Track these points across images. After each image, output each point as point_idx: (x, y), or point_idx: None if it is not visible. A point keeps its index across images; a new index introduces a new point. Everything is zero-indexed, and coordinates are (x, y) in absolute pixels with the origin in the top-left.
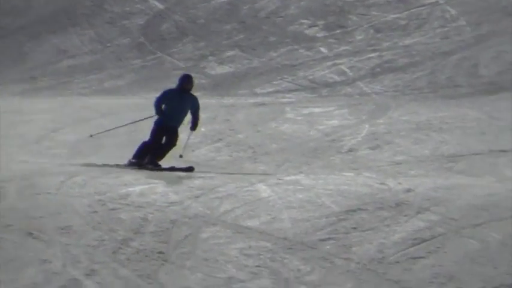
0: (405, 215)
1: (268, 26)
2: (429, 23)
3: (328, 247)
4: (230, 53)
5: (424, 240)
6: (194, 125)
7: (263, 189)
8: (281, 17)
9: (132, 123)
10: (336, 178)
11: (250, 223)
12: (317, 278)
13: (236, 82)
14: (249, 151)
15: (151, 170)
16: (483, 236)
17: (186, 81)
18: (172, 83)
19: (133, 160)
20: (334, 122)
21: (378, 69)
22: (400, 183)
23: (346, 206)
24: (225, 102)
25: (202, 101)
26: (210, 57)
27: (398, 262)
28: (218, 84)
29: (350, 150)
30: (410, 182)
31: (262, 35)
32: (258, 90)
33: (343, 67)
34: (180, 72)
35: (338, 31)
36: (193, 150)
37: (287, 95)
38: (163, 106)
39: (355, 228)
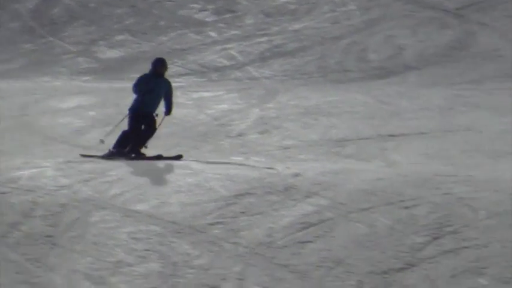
0: (293, 200)
1: (159, 10)
2: (319, 7)
3: (216, 231)
4: (120, 37)
5: (312, 225)
6: (168, 110)
7: (153, 173)
8: (171, 1)
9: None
10: (225, 162)
11: (139, 207)
12: (205, 262)
13: (126, 66)
14: None
15: (135, 159)
16: (371, 220)
17: (159, 64)
18: (63, 67)
19: (114, 150)
20: (224, 107)
21: (268, 54)
22: (288, 168)
23: (235, 191)
24: (115, 87)
25: (92, 85)
26: (101, 42)
27: (286, 246)
28: (108, 69)
29: (239, 134)
30: (298, 167)
31: (152, 19)
32: None
33: (232, 51)
34: (71, 56)
35: (228, 15)
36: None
37: (177, 79)
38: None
39: (243, 212)
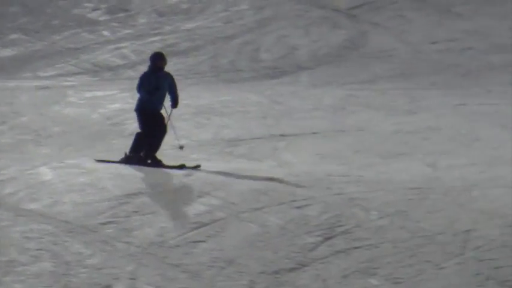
0: (186, 199)
1: (52, 9)
2: (211, 6)
3: (109, 230)
4: (13, 36)
5: (204, 224)
6: (175, 103)
7: (45, 173)
8: (64, 0)
9: None
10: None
11: (32, 206)
12: (98, 261)
13: (19, 65)
14: (32, 134)
15: (153, 166)
16: (263, 220)
17: (158, 58)
18: None
19: (130, 154)
20: (117, 106)
21: None
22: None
23: (127, 190)
24: (8, 85)
25: None
26: None
27: (178, 246)
28: (1, 67)
29: (131, 134)
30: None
31: (45, 18)
32: (41, 74)
33: (125, 51)
34: None
35: (121, 15)
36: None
37: (70, 78)
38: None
39: (136, 211)
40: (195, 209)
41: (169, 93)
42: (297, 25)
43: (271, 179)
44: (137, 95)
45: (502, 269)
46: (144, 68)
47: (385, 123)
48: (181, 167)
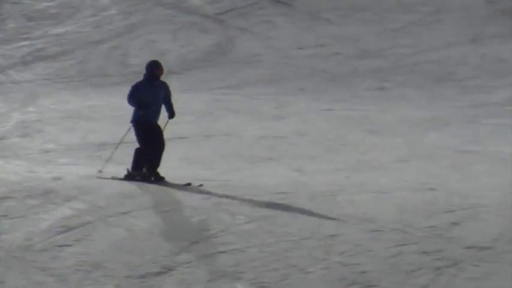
0: (53, 203)
1: None
2: (81, 11)
3: None
4: None
5: (71, 228)
6: (171, 113)
7: None
8: None
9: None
10: None
11: None
12: None
13: None
14: None
15: (156, 183)
16: (130, 224)
17: (156, 66)
18: None
19: (134, 172)
20: None
21: (29, 58)
22: (49, 172)
23: None
24: None
25: None
26: None
27: (45, 250)
28: None
29: (1, 138)
30: (59, 170)
31: None
32: None
33: None
34: None
35: None
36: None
37: None
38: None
39: (4, 216)
40: (62, 213)
41: (165, 104)
42: (166, 30)
43: (139, 183)
44: (129, 105)
45: (366, 273)
46: (13, 72)
47: (252, 128)
48: (187, 185)
